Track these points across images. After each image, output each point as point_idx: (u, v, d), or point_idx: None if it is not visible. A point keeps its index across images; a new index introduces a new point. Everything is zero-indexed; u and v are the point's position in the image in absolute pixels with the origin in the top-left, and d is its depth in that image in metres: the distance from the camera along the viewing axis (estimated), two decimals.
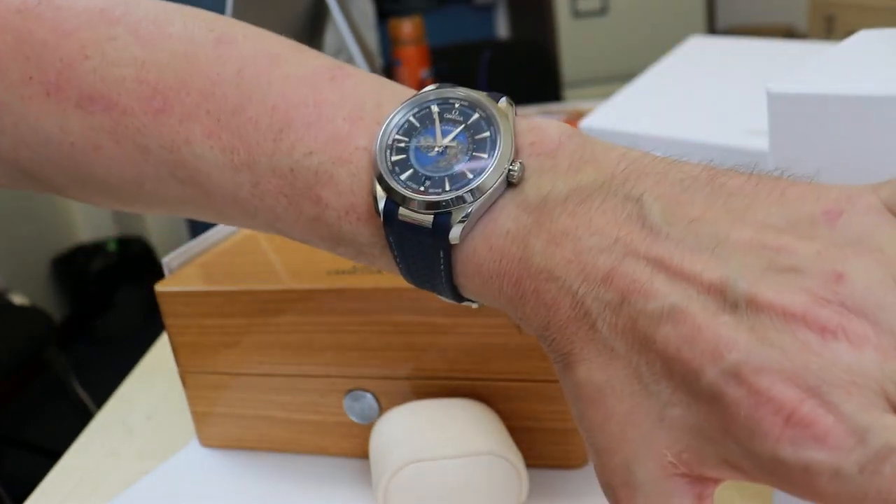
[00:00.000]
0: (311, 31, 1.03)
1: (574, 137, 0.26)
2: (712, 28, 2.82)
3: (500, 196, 0.26)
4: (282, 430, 0.52)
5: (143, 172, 0.30)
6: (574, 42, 2.76)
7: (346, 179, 0.28)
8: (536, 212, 0.25)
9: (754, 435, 0.20)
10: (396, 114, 0.28)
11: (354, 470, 0.50)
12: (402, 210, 0.26)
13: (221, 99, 0.29)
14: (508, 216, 0.26)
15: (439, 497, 0.42)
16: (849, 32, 0.37)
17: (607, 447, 0.24)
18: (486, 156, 0.26)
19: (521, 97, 1.50)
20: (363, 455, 0.51)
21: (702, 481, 0.23)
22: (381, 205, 0.27)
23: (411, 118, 0.28)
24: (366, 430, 0.49)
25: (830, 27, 1.35)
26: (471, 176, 0.26)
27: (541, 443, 0.47)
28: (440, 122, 0.28)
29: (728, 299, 0.21)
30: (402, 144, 0.27)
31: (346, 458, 0.51)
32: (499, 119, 0.27)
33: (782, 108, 0.32)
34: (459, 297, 0.29)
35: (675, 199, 0.23)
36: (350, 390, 0.49)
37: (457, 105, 0.28)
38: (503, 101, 0.28)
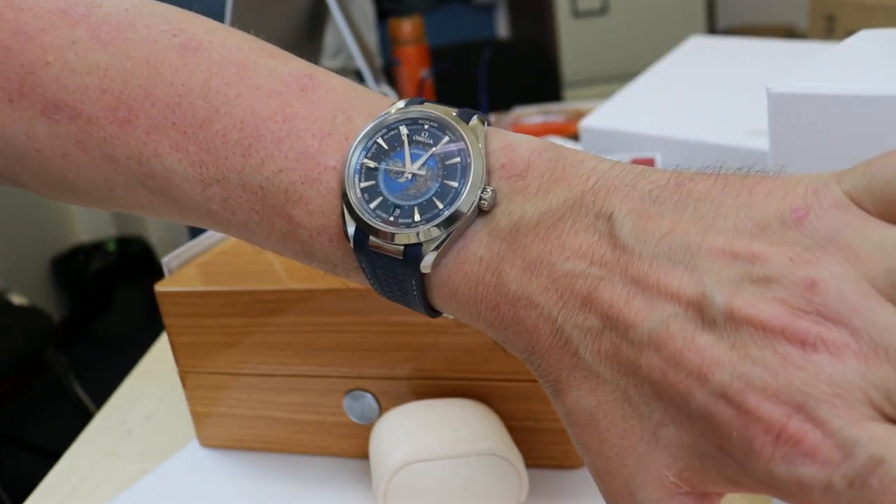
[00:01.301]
0: (311, 30, 1.03)
1: (545, 153, 0.26)
2: (712, 28, 2.81)
3: (472, 223, 0.26)
4: (282, 431, 0.52)
5: (113, 180, 0.30)
6: (574, 42, 2.76)
7: (317, 200, 0.27)
8: (509, 238, 0.25)
9: (748, 453, 0.20)
10: (365, 136, 0.27)
11: (354, 470, 0.50)
12: (371, 239, 0.26)
13: (188, 110, 0.28)
14: (480, 243, 0.26)
15: (439, 497, 0.42)
16: (849, 32, 0.37)
17: (606, 471, 0.24)
18: (456, 183, 0.26)
19: (521, 97, 1.50)
20: (363, 455, 0.51)
21: (707, 496, 0.23)
22: (351, 231, 0.26)
23: (380, 140, 0.27)
24: (366, 430, 0.49)
25: (830, 27, 1.35)
26: (441, 206, 0.26)
27: (541, 443, 0.47)
28: (409, 144, 0.27)
29: (706, 316, 0.21)
30: (372, 169, 0.27)
31: (345, 459, 0.51)
32: (469, 142, 0.26)
33: (782, 108, 0.32)
34: (436, 314, 0.28)
35: (645, 213, 0.23)
36: (350, 390, 0.49)
37: (426, 126, 0.27)
38: (474, 120, 0.27)
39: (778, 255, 0.21)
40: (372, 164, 0.27)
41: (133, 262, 2.71)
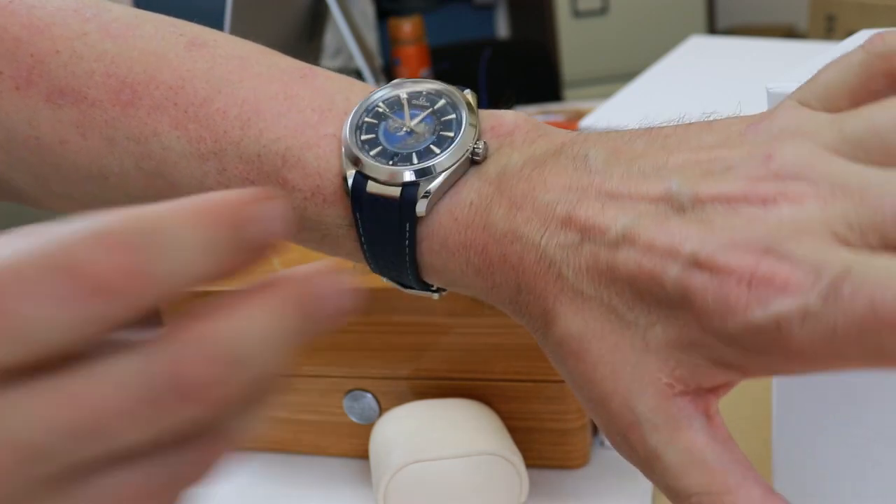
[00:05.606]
0: (311, 31, 1.03)
1: (529, 121, 0.28)
2: (712, 28, 2.82)
3: (464, 172, 0.27)
4: (282, 431, 0.52)
5: (108, 166, 0.31)
6: (574, 42, 2.76)
7: (313, 162, 0.29)
8: (496, 182, 0.27)
9: (726, 314, 0.21)
10: (366, 101, 0.29)
11: (354, 470, 0.50)
12: (370, 184, 0.27)
13: (191, 92, 0.29)
14: (471, 189, 0.27)
15: (439, 497, 0.42)
16: (849, 32, 0.37)
17: (602, 394, 0.24)
18: (452, 134, 0.28)
19: (521, 97, 1.50)
20: (363, 455, 0.51)
21: (702, 395, 0.23)
22: (350, 177, 0.28)
23: (380, 104, 0.29)
24: (366, 430, 0.49)
25: (831, 27, 1.35)
26: (437, 151, 0.27)
27: (541, 443, 0.47)
28: (409, 107, 0.29)
29: (674, 204, 0.23)
30: (372, 125, 0.29)
31: (346, 459, 0.51)
32: (463, 103, 0.29)
33: None
34: (422, 283, 0.29)
35: (618, 148, 0.25)
36: (350, 390, 0.49)
37: (423, 92, 0.30)
38: (467, 91, 0.29)
39: (737, 152, 0.23)
40: (373, 122, 0.29)
41: None
